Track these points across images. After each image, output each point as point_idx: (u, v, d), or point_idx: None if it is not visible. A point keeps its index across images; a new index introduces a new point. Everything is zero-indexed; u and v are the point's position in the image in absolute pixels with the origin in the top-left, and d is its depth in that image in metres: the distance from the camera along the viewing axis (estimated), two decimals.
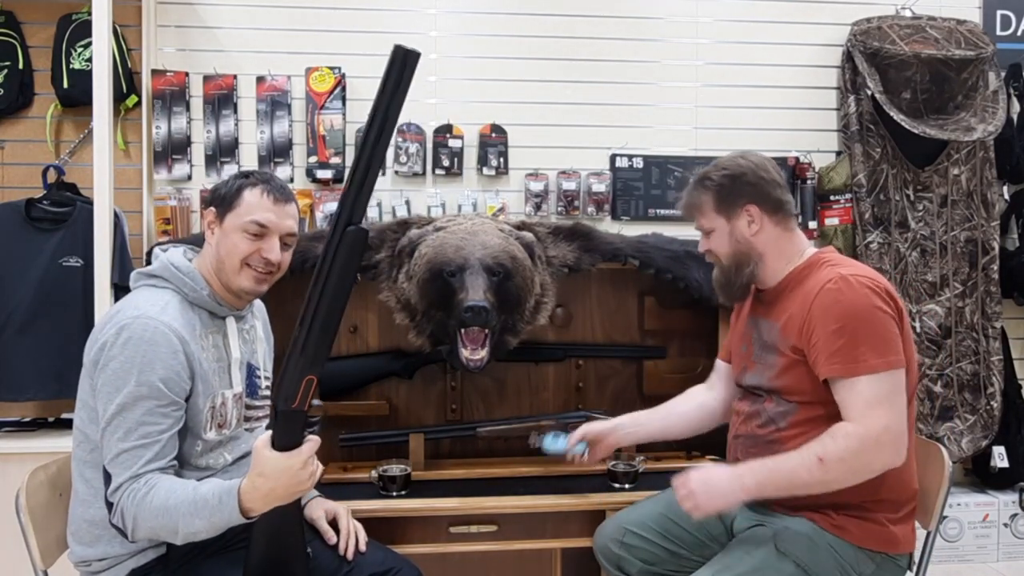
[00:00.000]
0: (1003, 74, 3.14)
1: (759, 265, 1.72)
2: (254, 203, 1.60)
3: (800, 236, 1.77)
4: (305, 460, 1.39)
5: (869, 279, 1.60)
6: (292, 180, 2.97)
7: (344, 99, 2.96)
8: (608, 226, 3.06)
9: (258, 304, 1.81)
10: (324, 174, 2.94)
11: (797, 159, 3.15)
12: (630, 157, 3.13)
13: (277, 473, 1.37)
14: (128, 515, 1.41)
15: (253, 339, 1.73)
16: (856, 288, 1.57)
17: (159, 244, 1.77)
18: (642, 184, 3.13)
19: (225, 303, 1.64)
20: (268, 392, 1.75)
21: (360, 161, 1.29)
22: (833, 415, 1.58)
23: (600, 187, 3.06)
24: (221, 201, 1.62)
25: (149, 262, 1.69)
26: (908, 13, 3.15)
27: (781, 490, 1.59)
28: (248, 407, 1.67)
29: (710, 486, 1.59)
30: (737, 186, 1.71)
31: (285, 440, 1.39)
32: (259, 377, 1.72)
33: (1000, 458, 3.14)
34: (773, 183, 1.72)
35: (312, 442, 1.41)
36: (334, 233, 1.31)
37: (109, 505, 1.44)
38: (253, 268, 1.61)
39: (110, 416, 1.44)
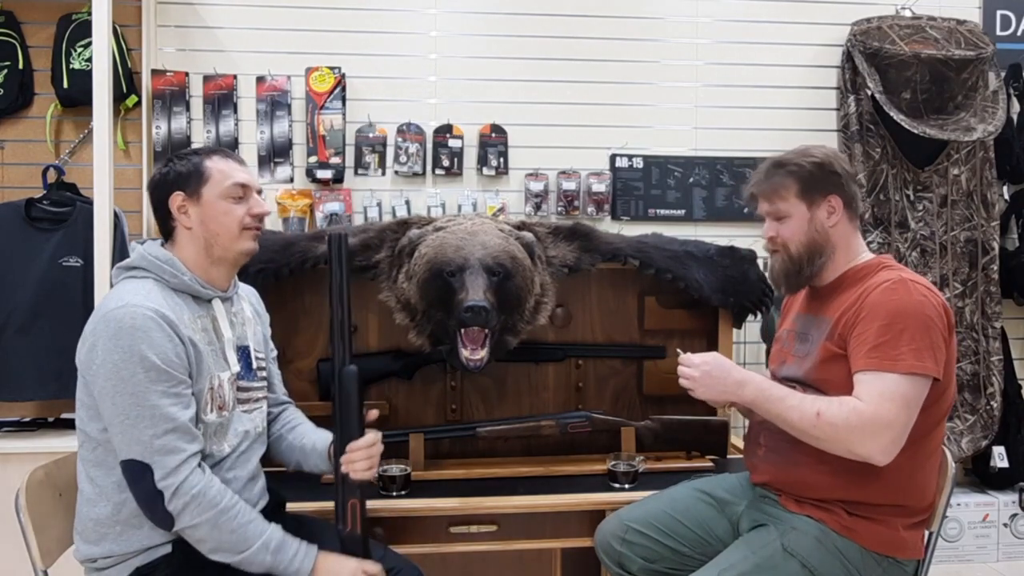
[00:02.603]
0: (1003, 74, 3.14)
1: (830, 258, 1.72)
2: (224, 169, 1.62)
3: (860, 235, 1.78)
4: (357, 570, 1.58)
5: (926, 287, 1.61)
6: (292, 180, 2.98)
7: (344, 99, 2.96)
8: (608, 226, 3.06)
9: (244, 287, 1.80)
10: (324, 174, 2.93)
11: None
12: (630, 157, 3.13)
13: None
14: (195, 504, 1.45)
15: (242, 321, 1.71)
16: (913, 293, 1.58)
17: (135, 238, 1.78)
18: (642, 184, 3.13)
19: (209, 285, 1.62)
20: (263, 372, 1.75)
21: (335, 320, 1.61)
22: None
23: (600, 187, 3.06)
24: (186, 181, 1.60)
25: None
26: (908, 13, 3.15)
27: (770, 417, 1.64)
28: (241, 388, 1.66)
29: (713, 380, 1.67)
30: (825, 175, 1.70)
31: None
32: (252, 358, 1.71)
33: (1000, 458, 3.14)
34: (853, 177, 1.75)
35: (372, 565, 1.60)
36: (335, 374, 1.60)
37: (158, 494, 1.44)
38: (250, 228, 1.63)
39: (127, 408, 1.43)
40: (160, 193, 1.62)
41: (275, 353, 1.87)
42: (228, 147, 2.93)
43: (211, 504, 1.47)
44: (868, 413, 1.52)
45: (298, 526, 1.75)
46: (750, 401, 1.66)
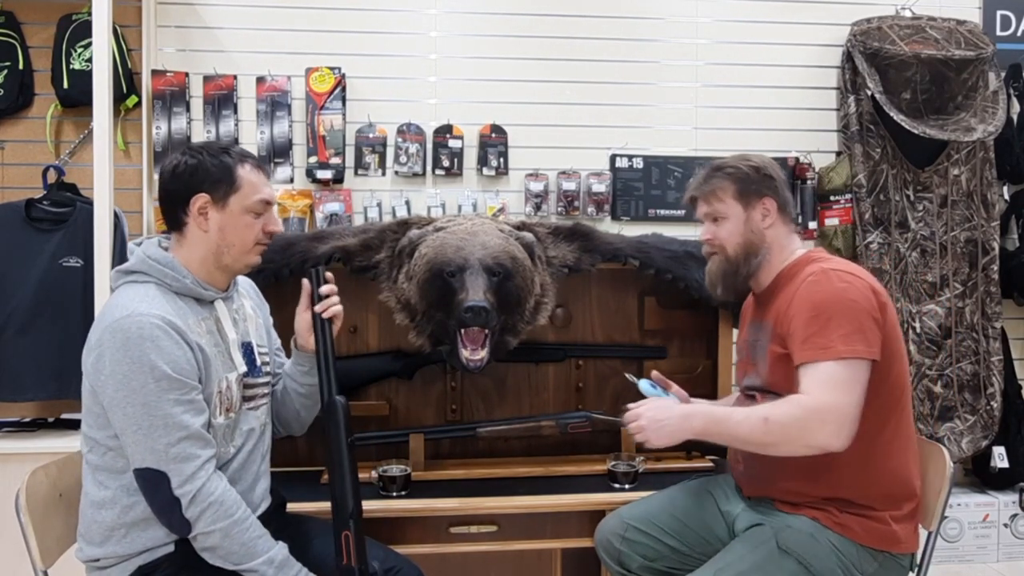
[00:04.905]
0: (1003, 74, 3.14)
1: (765, 258, 1.77)
2: (255, 182, 1.60)
3: (796, 236, 1.83)
4: None
5: (849, 274, 1.64)
6: (292, 180, 2.98)
7: (344, 99, 2.96)
8: (608, 226, 3.06)
9: (242, 280, 1.77)
10: (324, 174, 2.94)
11: (797, 159, 3.15)
12: (630, 157, 3.13)
13: None
14: (211, 511, 1.45)
15: (244, 318, 1.70)
16: (833, 280, 1.62)
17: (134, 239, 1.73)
18: (642, 184, 3.13)
19: (211, 287, 1.60)
20: (267, 368, 1.74)
21: (319, 352, 1.66)
22: None
23: (600, 187, 3.06)
24: (215, 184, 1.55)
25: None
26: (908, 13, 3.15)
27: (724, 439, 1.66)
28: (248, 386, 1.65)
29: (660, 424, 1.65)
30: (760, 178, 1.77)
31: None
32: (256, 355, 1.70)
33: (1000, 458, 3.14)
34: (785, 183, 1.83)
35: None
36: (323, 406, 1.62)
37: (176, 501, 1.44)
38: (260, 244, 1.63)
39: (139, 419, 1.43)
40: (181, 185, 1.56)
41: (279, 343, 1.87)
42: None
43: (227, 514, 1.47)
44: (811, 403, 1.54)
45: (298, 526, 1.75)
46: (702, 430, 1.64)
